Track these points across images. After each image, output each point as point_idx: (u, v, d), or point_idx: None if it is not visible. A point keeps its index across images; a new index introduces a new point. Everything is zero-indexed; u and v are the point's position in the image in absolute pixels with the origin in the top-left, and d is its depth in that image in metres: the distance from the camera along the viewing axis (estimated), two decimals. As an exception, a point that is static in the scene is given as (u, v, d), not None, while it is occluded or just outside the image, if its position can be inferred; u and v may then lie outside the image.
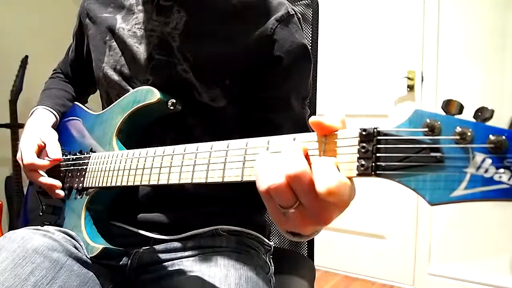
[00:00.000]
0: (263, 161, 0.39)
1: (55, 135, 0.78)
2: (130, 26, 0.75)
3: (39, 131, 0.78)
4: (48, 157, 0.73)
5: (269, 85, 0.71)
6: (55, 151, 0.74)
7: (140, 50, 0.73)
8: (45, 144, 0.76)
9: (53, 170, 0.76)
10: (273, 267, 0.76)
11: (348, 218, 2.31)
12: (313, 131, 0.40)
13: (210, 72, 0.70)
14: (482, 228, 1.93)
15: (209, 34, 0.71)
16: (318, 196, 0.35)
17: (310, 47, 0.74)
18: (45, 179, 0.73)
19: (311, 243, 1.03)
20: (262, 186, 0.38)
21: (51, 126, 0.84)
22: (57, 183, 0.73)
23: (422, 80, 2.10)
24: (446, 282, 2.04)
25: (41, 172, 0.74)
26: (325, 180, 0.34)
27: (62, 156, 0.79)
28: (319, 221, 0.38)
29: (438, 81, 2.06)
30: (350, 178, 0.37)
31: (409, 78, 2.13)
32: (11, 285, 0.56)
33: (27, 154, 0.73)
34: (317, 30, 1.01)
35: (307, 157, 0.38)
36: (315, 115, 1.01)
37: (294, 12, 0.72)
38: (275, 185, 0.36)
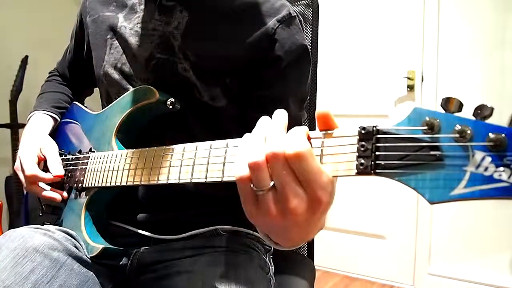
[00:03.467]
0: (243, 142, 0.41)
1: (55, 148, 0.78)
2: (132, 25, 0.75)
3: (38, 141, 0.78)
4: (50, 173, 0.73)
5: (268, 84, 0.71)
6: (57, 167, 0.74)
7: (141, 49, 0.73)
8: (45, 157, 0.76)
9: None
10: (273, 267, 0.76)
11: (348, 218, 2.31)
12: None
13: (210, 71, 0.70)
14: (482, 227, 1.93)
15: (210, 33, 0.71)
16: (289, 174, 0.37)
17: (310, 47, 0.75)
18: (45, 193, 0.73)
19: (311, 243, 1.02)
20: (241, 164, 0.39)
21: (51, 129, 0.84)
22: (57, 196, 0.72)
23: (422, 80, 2.10)
24: (446, 282, 2.04)
25: (41, 184, 0.73)
26: (294, 145, 0.36)
27: (62, 156, 0.79)
28: (287, 209, 0.37)
29: (438, 81, 2.06)
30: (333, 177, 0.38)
31: (409, 78, 2.13)
32: (11, 283, 0.56)
33: (29, 166, 0.73)
34: (317, 30, 1.01)
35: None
36: (314, 115, 1.01)
37: (296, 14, 0.72)
38: (254, 162, 0.37)
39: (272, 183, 0.38)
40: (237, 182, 0.40)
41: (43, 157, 0.76)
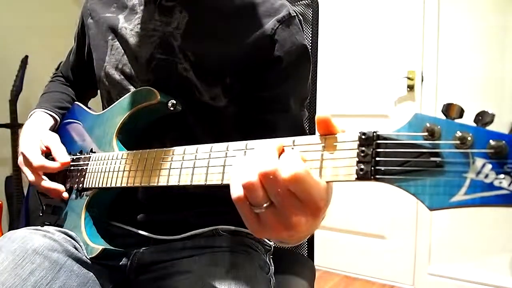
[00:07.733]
0: (236, 163, 0.41)
1: (57, 138, 0.78)
2: (133, 26, 0.75)
3: (39, 134, 0.78)
4: (57, 161, 0.73)
5: (269, 85, 0.71)
6: (63, 154, 0.74)
7: (142, 49, 0.73)
8: (47, 148, 0.76)
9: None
10: (273, 267, 0.76)
11: (348, 218, 2.31)
12: (309, 133, 0.40)
13: (210, 71, 0.70)
14: (482, 228, 1.93)
15: (210, 33, 0.71)
16: (287, 193, 0.36)
17: (310, 47, 0.74)
18: (49, 184, 0.73)
19: (311, 243, 1.03)
20: (236, 185, 0.39)
21: (50, 127, 0.84)
22: (61, 187, 0.72)
23: (422, 80, 2.10)
24: (446, 282, 2.04)
25: (43, 176, 0.73)
26: (290, 167, 0.36)
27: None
28: (290, 224, 0.38)
29: (438, 81, 2.06)
30: (327, 182, 0.38)
31: (409, 78, 2.13)
32: (11, 285, 0.56)
33: (35, 158, 0.73)
34: (317, 30, 1.00)
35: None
36: (314, 115, 1.01)
37: (295, 14, 0.72)
38: (248, 182, 0.37)
39: (269, 201, 0.38)
40: (234, 203, 0.40)
41: (45, 148, 0.76)
